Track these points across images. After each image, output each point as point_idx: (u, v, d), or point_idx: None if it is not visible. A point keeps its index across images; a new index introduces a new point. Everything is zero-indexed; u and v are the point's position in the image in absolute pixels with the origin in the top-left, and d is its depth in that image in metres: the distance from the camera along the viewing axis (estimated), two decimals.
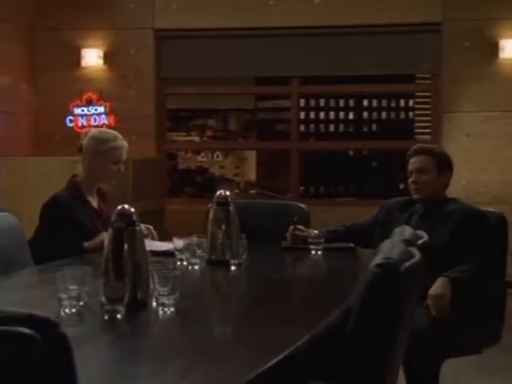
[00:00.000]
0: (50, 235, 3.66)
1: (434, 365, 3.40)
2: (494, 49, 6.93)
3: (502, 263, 3.72)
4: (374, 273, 2.06)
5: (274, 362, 1.77)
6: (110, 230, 2.47)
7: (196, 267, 3.23)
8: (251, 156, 14.00)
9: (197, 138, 13.38)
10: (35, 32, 7.62)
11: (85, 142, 3.93)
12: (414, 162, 3.93)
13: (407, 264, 2.09)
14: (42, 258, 3.42)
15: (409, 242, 2.44)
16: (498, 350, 3.70)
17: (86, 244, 3.69)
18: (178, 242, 3.33)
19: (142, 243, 2.51)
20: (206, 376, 1.74)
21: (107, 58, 7.58)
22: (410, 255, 2.20)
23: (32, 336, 1.35)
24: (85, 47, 7.58)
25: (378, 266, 2.06)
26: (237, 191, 12.99)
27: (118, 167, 3.93)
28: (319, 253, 3.70)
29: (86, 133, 4.01)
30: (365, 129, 14.94)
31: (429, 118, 7.82)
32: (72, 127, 7.49)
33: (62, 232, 3.64)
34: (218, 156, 13.64)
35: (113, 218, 2.48)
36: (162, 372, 1.76)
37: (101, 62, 7.57)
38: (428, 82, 7.90)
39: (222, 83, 8.12)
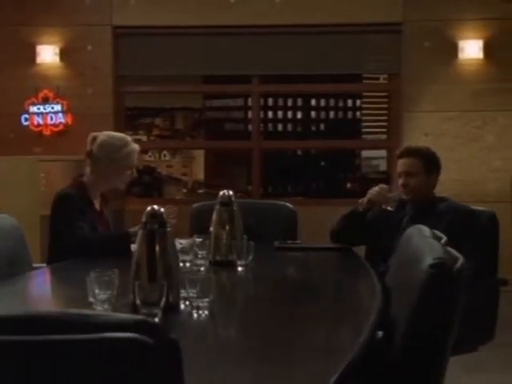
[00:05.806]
0: (73, 227, 3.54)
1: None
2: (454, 49, 7.04)
3: (495, 261, 3.78)
4: (430, 273, 2.05)
5: (347, 362, 1.75)
6: (142, 232, 2.41)
7: (202, 269, 3.18)
8: (199, 155, 13.90)
9: (144, 137, 13.22)
10: None
11: (95, 149, 3.75)
12: (402, 165, 3.95)
13: (458, 264, 2.10)
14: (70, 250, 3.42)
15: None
16: (491, 347, 3.74)
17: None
18: (181, 243, 3.28)
19: (173, 245, 2.46)
20: (287, 376, 1.70)
21: (63, 54, 7.41)
22: (454, 255, 2.20)
23: (146, 342, 1.31)
24: (40, 44, 7.40)
25: (433, 266, 2.06)
26: (185, 191, 12.89)
27: (132, 172, 3.83)
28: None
29: (94, 138, 3.79)
30: (313, 128, 15.04)
31: (378, 118, 7.91)
32: (27, 126, 7.34)
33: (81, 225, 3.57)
34: (165, 155, 13.50)
35: (144, 219, 2.42)
36: (239, 375, 1.73)
37: (57, 58, 7.40)
38: (376, 81, 7.97)
39: (175, 81, 8.01)
